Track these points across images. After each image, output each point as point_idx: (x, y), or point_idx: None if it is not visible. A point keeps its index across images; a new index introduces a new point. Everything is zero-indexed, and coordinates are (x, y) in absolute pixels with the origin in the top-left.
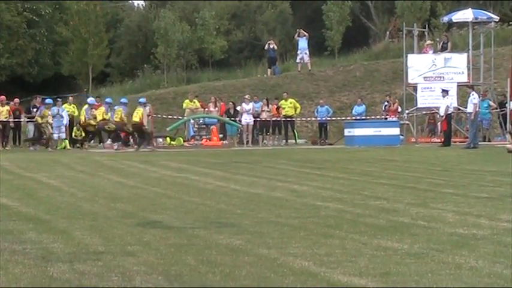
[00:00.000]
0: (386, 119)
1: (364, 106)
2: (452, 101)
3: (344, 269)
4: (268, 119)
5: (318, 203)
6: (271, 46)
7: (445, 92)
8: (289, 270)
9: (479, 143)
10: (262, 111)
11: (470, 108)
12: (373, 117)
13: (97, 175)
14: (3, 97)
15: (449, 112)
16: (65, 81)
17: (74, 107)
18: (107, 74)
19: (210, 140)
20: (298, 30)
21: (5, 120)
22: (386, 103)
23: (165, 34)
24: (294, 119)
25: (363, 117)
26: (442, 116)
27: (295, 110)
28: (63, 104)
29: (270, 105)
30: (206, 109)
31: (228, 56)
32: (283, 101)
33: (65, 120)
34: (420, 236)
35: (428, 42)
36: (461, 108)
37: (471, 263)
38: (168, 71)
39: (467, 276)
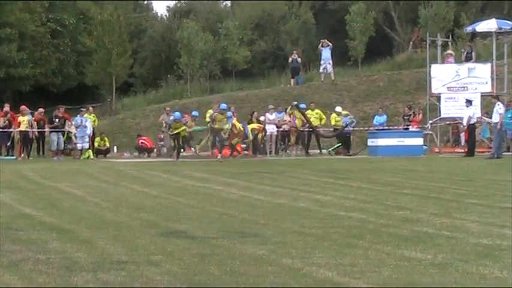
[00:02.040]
0: (407, 129)
1: (385, 116)
2: (475, 111)
3: (368, 279)
4: (289, 129)
5: (341, 213)
6: (294, 57)
7: (468, 102)
8: (313, 280)
9: (504, 153)
10: (284, 121)
11: (495, 118)
12: (395, 127)
13: (120, 185)
14: (24, 107)
15: (471, 122)
16: (88, 91)
17: (94, 117)
18: (131, 84)
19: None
20: (321, 40)
21: (24, 130)
22: (407, 114)
23: (188, 44)
24: (318, 129)
25: (385, 127)
26: (465, 126)
27: (321, 121)
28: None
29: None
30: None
31: (251, 66)
32: (309, 111)
33: (89, 130)
34: (444, 246)
35: (449, 51)
36: (484, 118)
37: (495, 273)
38: (192, 81)
39: (491, 286)
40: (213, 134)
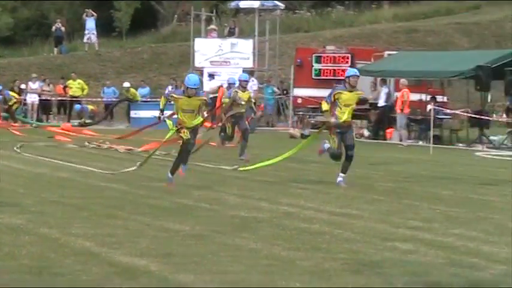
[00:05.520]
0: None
1: (148, 88)
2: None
3: (126, 250)
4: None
5: (102, 184)
6: (58, 25)
7: (211, 76)
8: (71, 250)
9: (260, 128)
10: (43, 91)
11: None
12: (158, 99)
13: None
14: None
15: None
16: None
17: None
18: None
19: None
20: (86, 10)
21: None
22: (171, 87)
23: None
24: (80, 99)
25: (148, 99)
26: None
27: (83, 91)
28: None
29: (50, 85)
30: None
31: (13, 33)
32: (71, 81)
33: None
34: (202, 218)
35: (212, 26)
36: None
37: (251, 245)
38: None
39: (246, 257)
40: None
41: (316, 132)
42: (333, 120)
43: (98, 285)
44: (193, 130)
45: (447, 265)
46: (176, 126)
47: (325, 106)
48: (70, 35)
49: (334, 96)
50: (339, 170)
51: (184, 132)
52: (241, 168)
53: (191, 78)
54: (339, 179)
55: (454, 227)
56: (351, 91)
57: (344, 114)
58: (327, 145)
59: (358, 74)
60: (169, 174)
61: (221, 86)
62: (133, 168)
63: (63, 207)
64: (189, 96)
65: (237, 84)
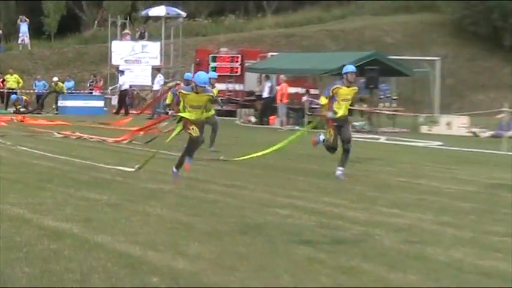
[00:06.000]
0: (91, 93)
1: (72, 82)
2: (125, 80)
3: (54, 216)
4: None
5: (33, 161)
6: None
7: (122, 72)
8: (6, 217)
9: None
10: None
11: (155, 87)
12: (82, 91)
13: None
14: None
15: (122, 89)
16: None
17: None
18: None
19: None
20: (20, 16)
21: None
22: (91, 80)
23: None
24: (15, 90)
25: (72, 91)
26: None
27: (18, 84)
28: None
29: None
30: None
31: None
32: (8, 76)
33: None
34: (117, 190)
35: (126, 31)
36: (133, 86)
37: (158, 211)
38: None
39: (154, 222)
40: None
41: (308, 126)
42: (329, 114)
43: (30, 245)
44: (201, 126)
45: (317, 227)
46: (183, 125)
47: (323, 100)
48: (6, 37)
49: (332, 91)
50: (338, 164)
51: (193, 129)
52: (232, 159)
53: (200, 76)
54: (338, 172)
55: (323, 196)
56: (348, 86)
57: (341, 109)
58: (322, 137)
59: (355, 70)
60: (175, 169)
61: (178, 83)
62: (133, 169)
63: (0, 181)
64: (197, 93)
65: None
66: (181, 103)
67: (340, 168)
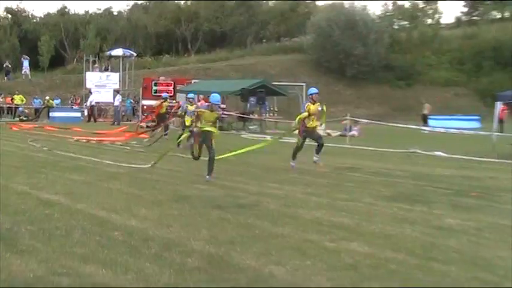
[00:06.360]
0: (72, 107)
1: (59, 100)
2: (94, 98)
3: (47, 190)
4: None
5: (33, 154)
6: (7, 64)
7: (91, 92)
8: (14, 191)
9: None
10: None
11: (116, 103)
12: (66, 106)
13: None
14: None
15: (92, 104)
16: None
17: None
18: None
19: None
20: (23, 55)
21: None
22: (71, 99)
23: None
24: (20, 106)
25: (59, 106)
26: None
27: (22, 101)
28: None
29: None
30: None
31: None
32: (15, 96)
33: None
34: (90, 173)
35: (96, 65)
36: (99, 102)
37: (117, 187)
38: None
39: (114, 194)
40: None
41: (282, 134)
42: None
43: (31, 211)
44: (208, 136)
45: (226, 196)
46: (195, 136)
47: (303, 115)
48: (14, 69)
49: (306, 108)
50: (314, 153)
51: (196, 146)
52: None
53: (215, 96)
54: (315, 158)
55: (233, 176)
56: (313, 103)
57: (313, 122)
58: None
59: (317, 91)
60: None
61: (178, 101)
62: (149, 165)
63: (8, 168)
64: (212, 111)
65: (186, 101)
66: (200, 119)
67: (316, 155)
